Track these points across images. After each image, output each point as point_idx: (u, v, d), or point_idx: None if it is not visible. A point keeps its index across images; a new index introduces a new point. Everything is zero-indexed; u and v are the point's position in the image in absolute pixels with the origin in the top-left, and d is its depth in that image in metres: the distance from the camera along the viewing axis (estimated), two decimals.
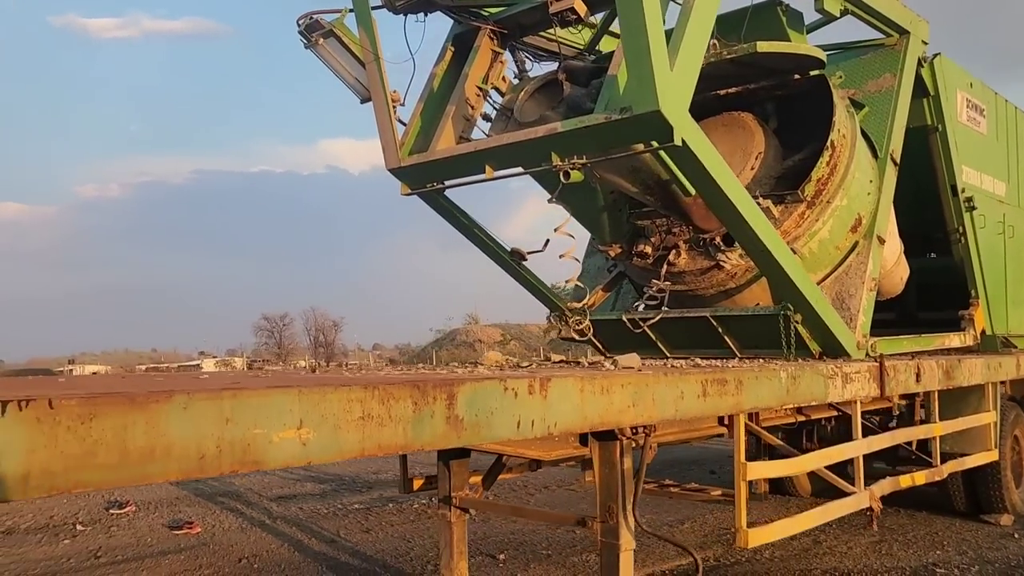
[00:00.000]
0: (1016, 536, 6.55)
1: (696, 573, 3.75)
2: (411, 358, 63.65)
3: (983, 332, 7.02)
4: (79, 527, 7.35)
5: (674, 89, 3.92)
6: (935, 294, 7.62)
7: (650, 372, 3.41)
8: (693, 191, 4.78)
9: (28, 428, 1.69)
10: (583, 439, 4.17)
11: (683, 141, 3.97)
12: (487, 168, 4.74)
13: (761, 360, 4.96)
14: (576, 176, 4.38)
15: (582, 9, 4.87)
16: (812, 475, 6.66)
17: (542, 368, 4.16)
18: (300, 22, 5.09)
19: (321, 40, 5.06)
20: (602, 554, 3.88)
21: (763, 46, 4.95)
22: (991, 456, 6.46)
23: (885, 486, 5.07)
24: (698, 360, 5.10)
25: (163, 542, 6.91)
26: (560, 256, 5.15)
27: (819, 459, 4.60)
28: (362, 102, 5.36)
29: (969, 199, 6.87)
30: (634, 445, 3.83)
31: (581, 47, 6.14)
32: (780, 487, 7.78)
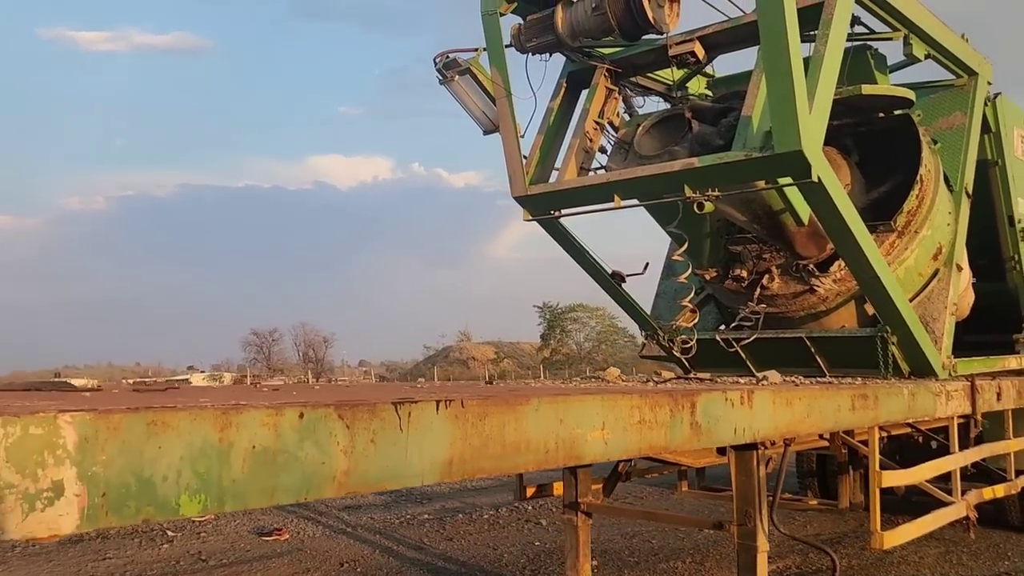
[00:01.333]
0: None
1: (834, 571, 4.09)
2: (402, 375, 63.85)
3: None
4: (169, 532, 7.61)
5: (812, 130, 4.32)
6: (980, 318, 8.06)
7: (816, 387, 3.78)
8: (805, 221, 5.18)
9: (451, 423, 2.04)
10: (721, 449, 4.53)
11: (818, 177, 4.37)
12: (615, 198, 5.12)
13: (853, 380, 5.34)
14: (708, 207, 4.77)
15: (701, 53, 5.32)
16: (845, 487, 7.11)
17: (689, 384, 4.52)
18: (437, 60, 5.47)
19: (456, 77, 5.44)
20: (739, 555, 4.21)
21: (867, 89, 5.39)
22: None
23: (973, 497, 5.45)
24: (800, 378, 5.47)
25: (256, 547, 7.19)
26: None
27: (932, 469, 4.99)
28: (485, 134, 5.74)
29: None
30: (768, 456, 4.20)
31: (670, 83, 6.56)
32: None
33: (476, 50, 5.44)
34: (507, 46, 5.39)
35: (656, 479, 7.68)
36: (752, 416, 3.20)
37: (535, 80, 5.48)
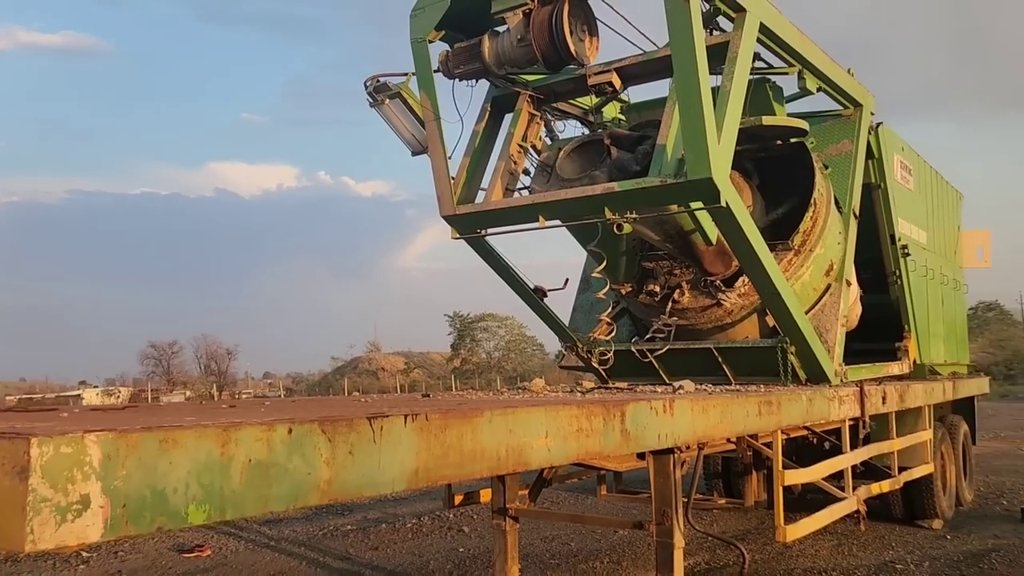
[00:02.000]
0: (948, 537, 7.63)
1: (743, 564, 4.46)
2: (310, 387, 62.79)
3: (915, 361, 8.15)
4: (84, 553, 7.46)
5: (720, 159, 4.73)
6: (866, 328, 8.76)
7: (728, 395, 4.16)
8: (713, 240, 5.61)
9: (416, 435, 2.27)
10: (640, 454, 4.87)
11: (726, 202, 4.78)
12: (540, 218, 5.42)
13: (758, 387, 5.80)
14: (627, 228, 5.12)
15: (618, 83, 5.70)
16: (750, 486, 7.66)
17: (610, 394, 4.84)
18: (368, 83, 5.66)
19: (387, 100, 5.64)
20: (657, 552, 4.54)
21: (767, 120, 5.88)
22: (929, 468, 7.54)
23: (863, 492, 5.99)
24: (709, 386, 5.89)
25: (178, 564, 7.15)
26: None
27: (828, 468, 5.47)
28: (413, 155, 5.95)
29: (904, 247, 8.02)
30: (684, 460, 4.56)
31: (586, 108, 6.93)
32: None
33: (406, 75, 5.65)
34: (435, 71, 5.63)
35: (575, 484, 8.04)
36: (674, 423, 3.52)
37: (461, 104, 5.74)
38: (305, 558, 7.31)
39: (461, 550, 7.53)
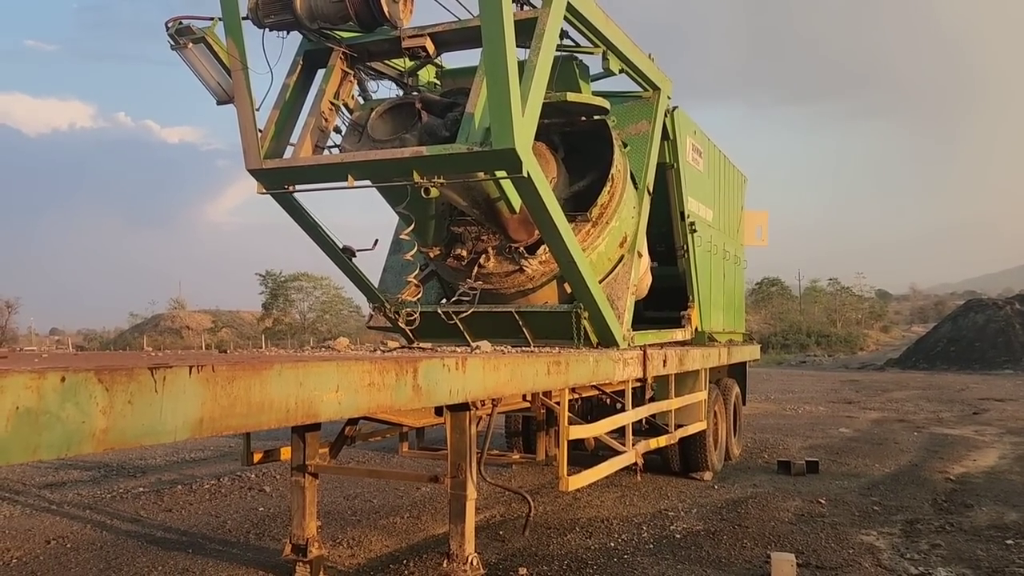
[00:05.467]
0: (716, 487, 8.49)
1: (528, 512, 4.78)
2: (105, 345, 58.53)
3: (696, 329, 8.93)
4: None
5: (524, 131, 4.95)
6: (657, 297, 9.48)
7: (519, 355, 4.41)
8: (517, 209, 5.86)
9: (201, 386, 2.29)
10: (439, 410, 5.07)
11: (528, 173, 5.02)
12: (349, 178, 5.43)
13: (551, 349, 6.17)
14: (434, 192, 5.26)
15: (431, 48, 5.78)
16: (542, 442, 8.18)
17: (412, 352, 4.98)
18: (169, 25, 5.38)
19: (190, 45, 5.39)
20: (451, 504, 4.78)
21: (572, 96, 6.19)
22: (702, 426, 8.34)
23: (641, 447, 6.55)
24: (508, 347, 6.19)
25: None
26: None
27: (609, 424, 5.91)
28: (218, 103, 5.75)
29: (692, 223, 8.72)
30: (479, 416, 4.81)
31: (401, 70, 6.96)
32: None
33: (212, 19, 5.44)
34: (244, 18, 5.45)
35: (378, 443, 8.16)
36: (465, 379, 3.72)
37: (272, 55, 5.59)
38: (90, 521, 6.96)
39: (261, 509, 7.47)
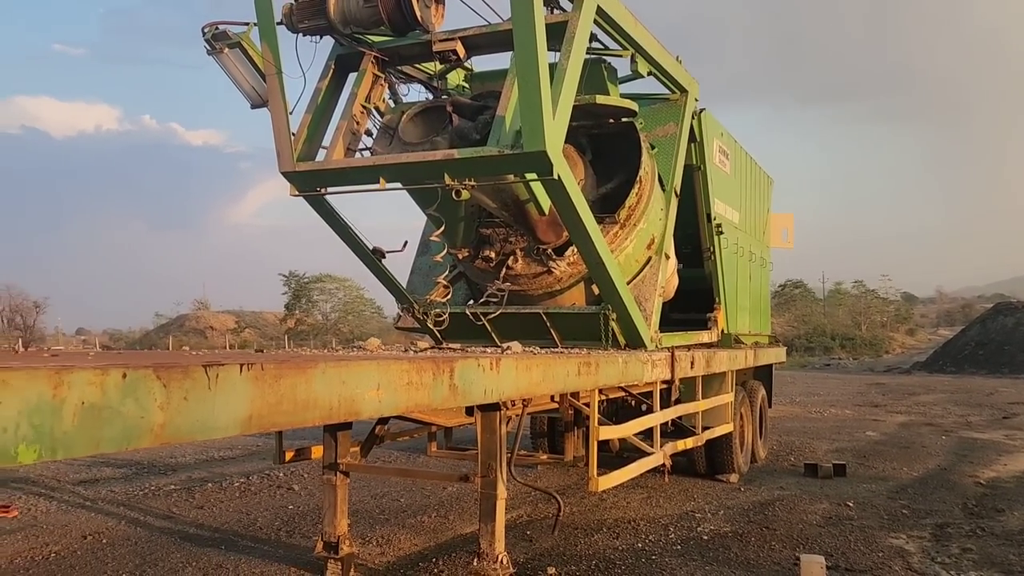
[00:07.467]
0: (742, 489, 8.47)
1: (558, 511, 4.82)
2: (131, 345, 59.24)
3: (722, 331, 8.92)
4: None
5: (555, 134, 5.00)
6: (683, 299, 9.49)
7: (550, 356, 4.46)
8: (546, 211, 5.90)
9: (251, 384, 2.36)
10: (469, 410, 5.12)
11: (558, 175, 5.06)
12: (381, 180, 5.50)
13: (580, 350, 6.20)
14: (465, 195, 5.31)
15: (462, 51, 5.84)
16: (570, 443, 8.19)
17: (446, 353, 5.04)
18: (206, 30, 5.48)
19: (226, 49, 5.49)
20: (482, 503, 4.84)
21: (600, 99, 6.23)
22: (729, 428, 8.33)
23: (669, 448, 6.56)
24: (536, 349, 6.23)
25: None
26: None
27: (638, 425, 5.94)
28: (252, 107, 5.85)
29: (719, 225, 8.72)
30: (509, 416, 4.85)
31: (431, 73, 7.03)
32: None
33: (247, 24, 5.53)
34: (278, 23, 5.55)
35: (404, 443, 8.24)
36: (499, 379, 3.77)
37: (305, 59, 5.68)
38: (124, 517, 7.09)
39: (290, 507, 7.56)
